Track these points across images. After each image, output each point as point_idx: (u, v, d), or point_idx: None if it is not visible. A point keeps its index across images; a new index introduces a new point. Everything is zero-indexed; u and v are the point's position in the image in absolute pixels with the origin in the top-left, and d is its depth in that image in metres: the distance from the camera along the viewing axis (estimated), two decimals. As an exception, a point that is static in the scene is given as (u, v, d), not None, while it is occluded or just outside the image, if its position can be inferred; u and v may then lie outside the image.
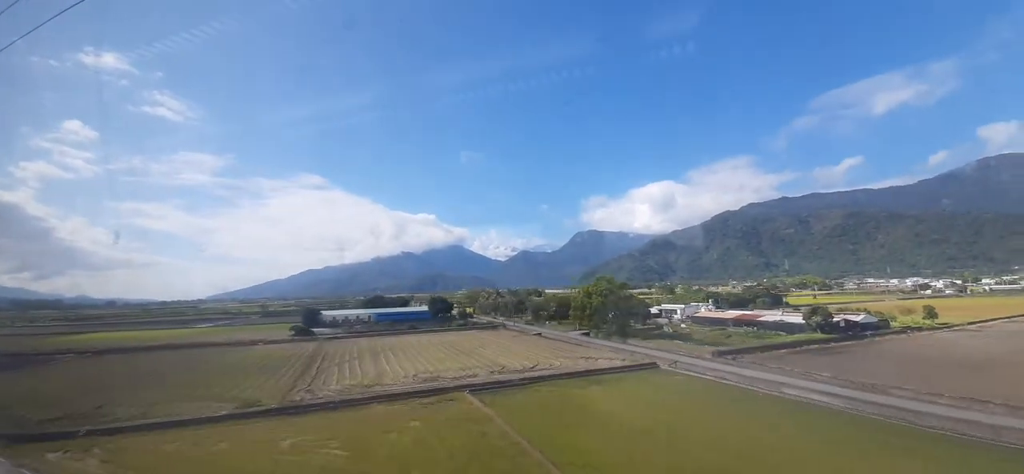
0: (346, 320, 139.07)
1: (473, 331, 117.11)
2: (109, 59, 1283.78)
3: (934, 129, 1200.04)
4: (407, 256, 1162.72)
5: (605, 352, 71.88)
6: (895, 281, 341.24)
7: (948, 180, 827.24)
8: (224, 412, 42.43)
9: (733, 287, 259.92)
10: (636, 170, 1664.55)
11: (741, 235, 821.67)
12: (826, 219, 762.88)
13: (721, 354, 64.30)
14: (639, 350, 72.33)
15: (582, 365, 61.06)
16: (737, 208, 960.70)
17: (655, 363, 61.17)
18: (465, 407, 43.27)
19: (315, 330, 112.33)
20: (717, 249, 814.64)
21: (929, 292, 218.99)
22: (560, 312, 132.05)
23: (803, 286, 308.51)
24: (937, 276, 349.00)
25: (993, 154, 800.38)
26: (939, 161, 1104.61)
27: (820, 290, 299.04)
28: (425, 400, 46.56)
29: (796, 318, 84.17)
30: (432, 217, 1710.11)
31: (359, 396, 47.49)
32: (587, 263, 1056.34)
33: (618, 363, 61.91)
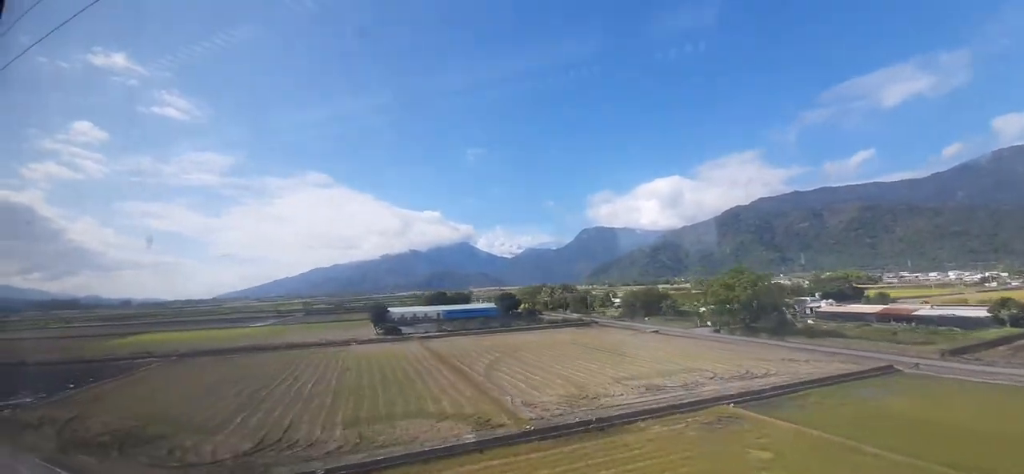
0: (414, 317, 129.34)
1: (570, 329, 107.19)
2: (118, 59, 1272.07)
3: (947, 121, 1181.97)
4: (414, 254, 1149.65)
5: (789, 353, 62.32)
6: (934, 274, 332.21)
7: (962, 172, 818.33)
8: (471, 438, 32.64)
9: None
10: (642, 166, 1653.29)
11: (754, 229, 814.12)
12: (841, 213, 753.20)
13: (953, 353, 54.86)
14: (834, 350, 62.83)
15: (803, 371, 51.41)
16: (747, 202, 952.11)
17: (891, 365, 51.59)
18: (780, 428, 33.48)
19: (403, 329, 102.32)
20: (730, 244, 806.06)
21: (995, 285, 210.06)
22: (648, 306, 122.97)
23: (845, 279, 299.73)
24: (960, 269, 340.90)
25: (1007, 145, 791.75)
26: (953, 153, 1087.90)
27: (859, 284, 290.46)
28: (692, 415, 36.89)
29: (972, 312, 74.90)
30: (437, 214, 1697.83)
31: (608, 413, 37.63)
32: (594, 259, 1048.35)
33: (838, 368, 52.29)
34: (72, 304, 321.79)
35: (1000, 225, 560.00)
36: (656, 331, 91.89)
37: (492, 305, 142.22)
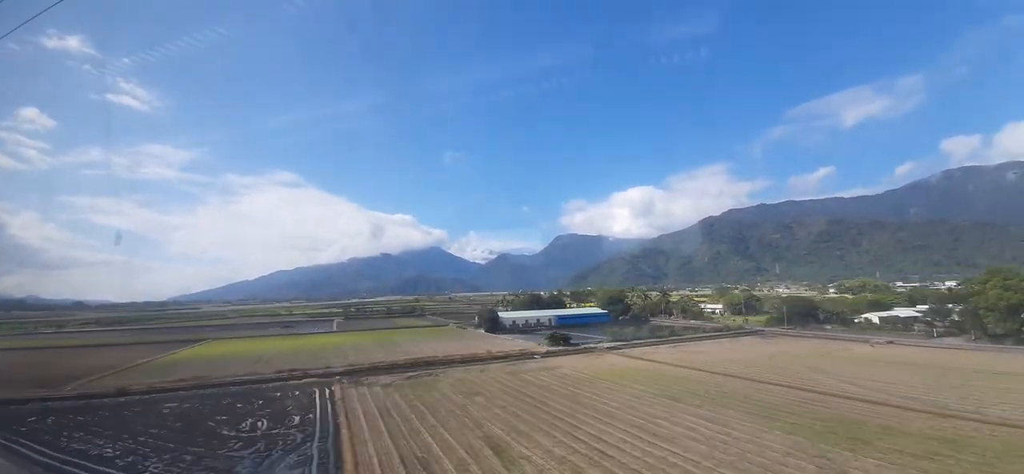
0: (526, 323, 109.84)
1: (750, 338, 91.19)
2: (73, 42, 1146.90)
3: (900, 141, 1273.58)
4: (385, 257, 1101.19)
5: None
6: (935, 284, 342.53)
7: (914, 190, 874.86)
8: None
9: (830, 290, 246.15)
10: (617, 175, 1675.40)
11: (728, 240, 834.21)
12: (809, 226, 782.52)
13: None
14: None
15: None
16: (718, 213, 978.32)
17: None
18: None
19: (572, 340, 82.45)
20: (707, 253, 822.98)
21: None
22: (805, 314, 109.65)
23: (863, 290, 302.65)
24: (924, 280, 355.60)
25: (955, 166, 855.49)
26: (904, 172, 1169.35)
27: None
28: None
29: None
30: (409, 218, 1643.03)
31: None
32: (569, 266, 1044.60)
33: None
34: (19, 305, 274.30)
35: (959, 241, 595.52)
36: (891, 342, 77.80)
37: (602, 310, 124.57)
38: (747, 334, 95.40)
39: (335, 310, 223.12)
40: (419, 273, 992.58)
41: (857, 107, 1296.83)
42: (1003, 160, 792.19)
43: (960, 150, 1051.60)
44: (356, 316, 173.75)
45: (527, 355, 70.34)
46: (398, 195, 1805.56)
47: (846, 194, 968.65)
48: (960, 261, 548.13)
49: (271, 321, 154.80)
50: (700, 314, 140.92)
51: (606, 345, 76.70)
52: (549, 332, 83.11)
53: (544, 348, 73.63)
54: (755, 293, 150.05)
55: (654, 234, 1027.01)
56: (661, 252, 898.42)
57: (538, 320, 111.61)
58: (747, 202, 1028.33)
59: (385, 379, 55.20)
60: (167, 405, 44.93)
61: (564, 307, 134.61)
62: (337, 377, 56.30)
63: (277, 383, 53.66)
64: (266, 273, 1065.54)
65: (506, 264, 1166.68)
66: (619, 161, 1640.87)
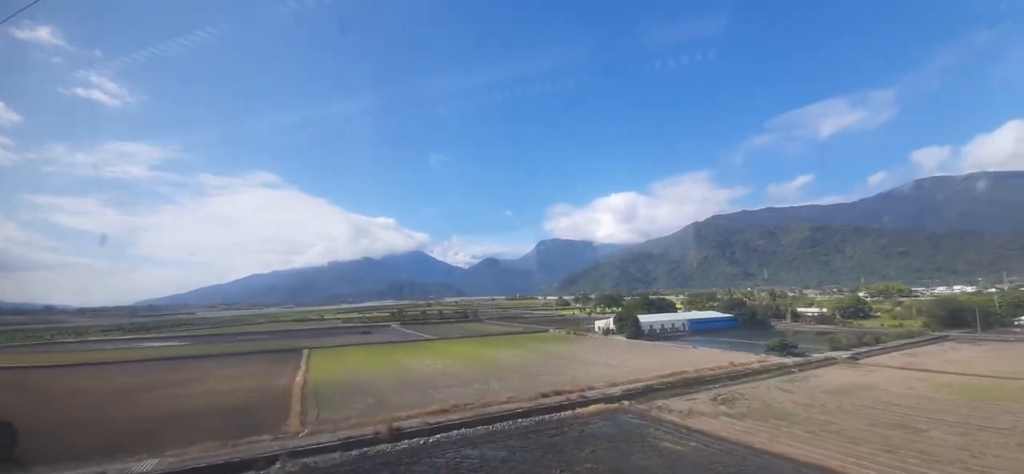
0: (663, 328, 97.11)
1: (944, 345, 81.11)
2: (43, 33, 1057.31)
3: (873, 152, 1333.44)
4: (366, 261, 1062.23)
5: None
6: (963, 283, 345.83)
7: (887, 199, 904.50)
8: None
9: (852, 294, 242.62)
10: (600, 181, 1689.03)
11: (715, 245, 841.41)
12: (793, 232, 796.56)
13: None
14: None
15: None
16: (702, 219, 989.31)
17: None
18: None
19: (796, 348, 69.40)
20: (696, 258, 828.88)
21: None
22: (954, 316, 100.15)
23: (887, 294, 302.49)
24: (910, 285, 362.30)
25: (925, 176, 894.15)
26: (877, 182, 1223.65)
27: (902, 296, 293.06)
28: None
29: None
30: (392, 221, 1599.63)
31: None
32: (554, 270, 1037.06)
33: None
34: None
35: (937, 247, 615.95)
36: None
37: (727, 314, 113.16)
38: (931, 341, 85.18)
39: (367, 314, 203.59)
40: (402, 277, 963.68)
41: (833, 118, 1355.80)
42: (973, 171, 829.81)
43: (930, 161, 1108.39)
44: (413, 321, 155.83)
45: (782, 369, 57.17)
46: (381, 198, 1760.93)
47: (822, 202, 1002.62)
48: (940, 267, 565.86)
49: (334, 328, 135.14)
50: (820, 318, 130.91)
51: (845, 355, 64.42)
52: (773, 341, 69.63)
53: (791, 360, 60.61)
54: (860, 295, 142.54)
55: (638, 239, 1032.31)
56: (650, 256, 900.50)
57: (673, 325, 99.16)
58: (728, 208, 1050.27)
59: (697, 404, 40.87)
60: (487, 452, 29.44)
61: (674, 310, 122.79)
62: (618, 400, 41.82)
63: (565, 414, 38.74)
64: (241, 277, 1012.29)
65: (494, 268, 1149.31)
66: (602, 166, 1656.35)
